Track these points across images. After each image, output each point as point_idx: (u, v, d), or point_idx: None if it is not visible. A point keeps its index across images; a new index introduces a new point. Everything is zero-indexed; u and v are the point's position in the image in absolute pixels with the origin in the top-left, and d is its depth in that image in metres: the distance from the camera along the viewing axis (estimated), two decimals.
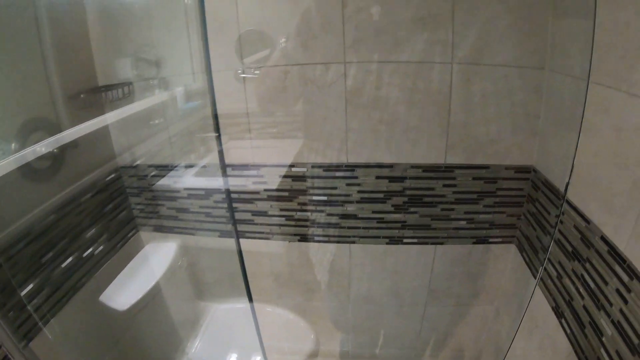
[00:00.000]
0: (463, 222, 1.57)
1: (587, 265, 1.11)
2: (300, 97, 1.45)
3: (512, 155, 1.47)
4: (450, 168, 1.48)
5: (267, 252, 1.69)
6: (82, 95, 1.55)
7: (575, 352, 1.14)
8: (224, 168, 1.52)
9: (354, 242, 1.62)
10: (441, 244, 1.61)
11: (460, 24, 1.33)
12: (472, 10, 1.33)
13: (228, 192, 1.59)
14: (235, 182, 1.58)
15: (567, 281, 1.21)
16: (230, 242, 1.70)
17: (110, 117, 1.61)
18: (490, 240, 1.61)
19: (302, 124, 1.47)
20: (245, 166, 1.55)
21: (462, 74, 1.38)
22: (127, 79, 1.64)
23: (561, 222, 1.27)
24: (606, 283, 1.02)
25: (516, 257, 1.59)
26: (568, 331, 1.19)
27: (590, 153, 1.12)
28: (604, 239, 1.04)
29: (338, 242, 1.62)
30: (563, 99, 1.29)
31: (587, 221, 1.11)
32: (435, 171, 1.49)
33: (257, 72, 1.46)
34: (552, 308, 1.29)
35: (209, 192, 1.64)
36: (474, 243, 1.61)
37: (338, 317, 1.87)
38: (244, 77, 1.45)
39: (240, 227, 1.66)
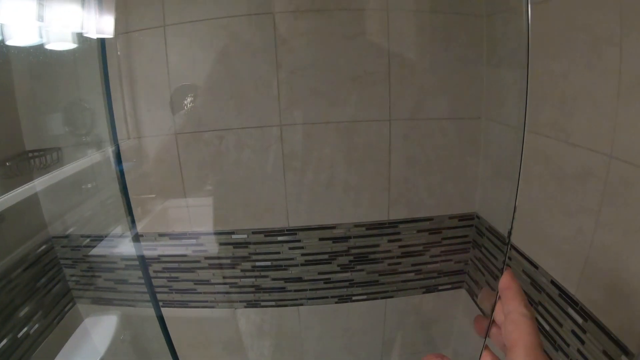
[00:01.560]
0: (411, 274, 1.52)
1: (540, 308, 1.10)
2: (236, 162, 1.36)
3: (454, 204, 1.45)
4: (394, 223, 1.44)
5: (213, 320, 1.58)
6: (7, 163, 1.39)
7: None
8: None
9: (302, 305, 1.54)
10: (391, 297, 1.55)
11: (396, 81, 1.30)
12: (407, 65, 1.30)
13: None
14: (174, 251, 1.47)
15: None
16: (173, 312, 1.58)
17: (39, 184, 1.46)
18: (440, 288, 1.57)
19: (240, 189, 1.38)
20: (183, 234, 1.44)
21: (400, 130, 1.34)
22: (56, 142, 1.50)
23: (509, 266, 1.24)
24: (561, 325, 1.02)
25: (467, 300, 1.56)
26: None
27: (534, 201, 1.11)
28: (554, 283, 1.04)
29: (285, 305, 1.53)
30: (501, 147, 1.28)
31: (535, 266, 1.11)
32: (379, 228, 1.43)
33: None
34: None
35: (147, 262, 1.51)
36: (423, 293, 1.56)
37: None
38: (177, 142, 1.36)
39: (183, 297, 1.54)
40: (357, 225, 1.43)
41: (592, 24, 0.86)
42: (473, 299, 1.51)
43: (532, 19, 1.08)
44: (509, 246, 1.22)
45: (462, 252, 1.52)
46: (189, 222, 1.43)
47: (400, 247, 1.47)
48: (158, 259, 1.49)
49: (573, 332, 0.96)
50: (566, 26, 0.94)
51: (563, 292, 1.00)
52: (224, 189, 1.38)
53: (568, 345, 0.99)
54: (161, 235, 1.45)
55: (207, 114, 1.33)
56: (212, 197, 1.39)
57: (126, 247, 1.55)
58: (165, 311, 1.58)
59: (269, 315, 1.55)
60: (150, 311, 1.61)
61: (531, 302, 1.13)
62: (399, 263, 1.50)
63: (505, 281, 0.44)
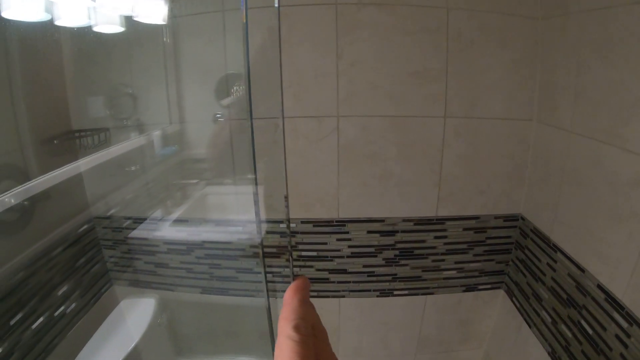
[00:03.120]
0: (453, 272, 1.50)
1: (584, 311, 1.08)
2: (291, 150, 1.33)
3: (500, 204, 1.42)
4: (441, 220, 1.41)
5: (251, 309, 1.55)
6: (55, 141, 1.36)
7: None
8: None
9: (343, 297, 1.51)
10: (431, 294, 1.53)
11: (453, 78, 1.28)
12: (465, 63, 1.28)
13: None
14: (218, 237, 1.44)
15: (563, 327, 1.18)
16: (211, 298, 1.55)
17: (84, 164, 1.43)
18: (480, 287, 1.54)
19: (292, 178, 1.35)
20: (229, 221, 1.41)
21: (453, 127, 1.32)
22: (102, 122, 1.48)
23: (553, 269, 1.22)
24: (605, 329, 0.99)
25: (505, 301, 1.53)
26: None
27: (584, 205, 1.09)
28: (600, 287, 1.01)
29: (327, 296, 1.51)
30: (551, 150, 1.26)
31: (582, 270, 1.09)
32: (426, 224, 1.41)
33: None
34: (549, 353, 1.25)
35: (190, 247, 1.48)
36: (463, 291, 1.54)
37: None
38: (230, 128, 1.33)
39: (223, 285, 1.51)
40: (405, 220, 1.40)
41: None
42: (512, 300, 1.49)
43: (592, 25, 1.08)
44: (558, 248, 1.20)
45: (504, 252, 1.49)
46: (236, 208, 1.40)
47: (445, 244, 1.44)
48: (202, 245, 1.47)
49: (617, 336, 0.94)
50: (626, 33, 0.92)
51: (609, 296, 0.97)
52: (277, 177, 1.35)
53: (611, 349, 0.97)
54: (207, 220, 1.43)
55: (264, 102, 1.30)
56: (263, 185, 1.36)
57: (168, 231, 1.52)
58: (203, 297, 1.56)
59: None
60: (188, 296, 1.58)
61: (574, 305, 1.12)
62: (443, 260, 1.47)
63: (287, 294, 0.38)
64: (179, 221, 1.48)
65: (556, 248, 1.21)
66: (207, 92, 1.34)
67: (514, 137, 1.36)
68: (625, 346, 0.91)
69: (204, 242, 1.45)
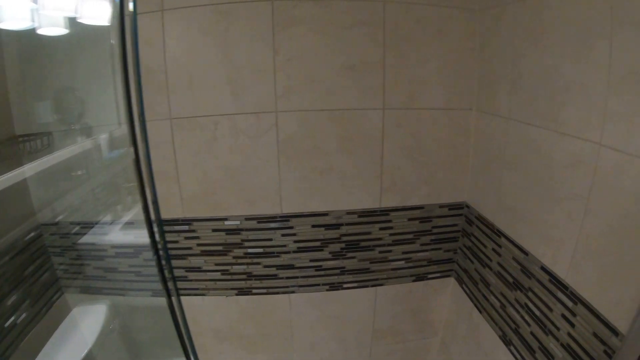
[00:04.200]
0: (401, 262, 1.49)
1: (530, 294, 1.09)
2: (232, 147, 1.31)
3: (445, 193, 1.43)
4: (385, 211, 1.41)
5: (203, 308, 1.52)
6: None
7: None
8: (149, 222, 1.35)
9: (293, 292, 1.49)
10: (381, 285, 1.52)
11: (391, 71, 1.28)
12: (402, 55, 1.28)
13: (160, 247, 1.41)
14: (166, 238, 1.41)
15: (511, 310, 1.19)
16: (163, 300, 1.51)
17: (29, 170, 1.39)
18: (429, 276, 1.54)
19: (234, 175, 1.33)
20: (175, 221, 1.39)
21: (393, 119, 1.32)
22: (46, 127, 1.44)
23: (499, 254, 1.23)
24: (551, 310, 1.00)
25: (455, 289, 1.54)
26: (518, 357, 1.16)
27: (524, 189, 1.10)
28: (544, 268, 1.02)
29: (277, 293, 1.49)
30: (491, 138, 1.27)
31: (525, 253, 1.10)
32: (371, 215, 1.40)
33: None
34: (500, 337, 1.25)
35: (138, 250, 1.45)
36: (413, 281, 1.53)
37: None
38: (171, 127, 1.30)
39: (173, 285, 1.48)
40: (349, 213, 1.39)
41: (583, 18, 0.86)
42: (462, 287, 1.49)
43: (525, 14, 1.09)
44: (501, 233, 1.21)
45: (451, 240, 1.50)
46: (181, 208, 1.37)
47: (391, 234, 1.44)
48: (149, 247, 1.43)
49: (563, 315, 0.95)
50: (558, 20, 0.94)
51: (553, 277, 0.98)
52: (218, 175, 1.34)
53: (558, 329, 0.98)
54: (153, 221, 1.39)
55: (203, 99, 1.28)
56: (206, 183, 1.34)
57: (116, 235, 1.49)
58: (156, 300, 1.52)
59: (260, 302, 1.50)
60: (140, 300, 1.54)
61: (521, 288, 1.12)
62: (390, 251, 1.47)
63: None
64: (127, 224, 1.45)
65: (500, 233, 1.22)
66: (158, 97, 1.32)
67: (455, 126, 1.37)
68: (572, 325, 0.92)
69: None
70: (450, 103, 1.35)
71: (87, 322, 1.55)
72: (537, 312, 1.06)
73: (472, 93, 1.35)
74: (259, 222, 1.38)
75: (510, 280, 1.18)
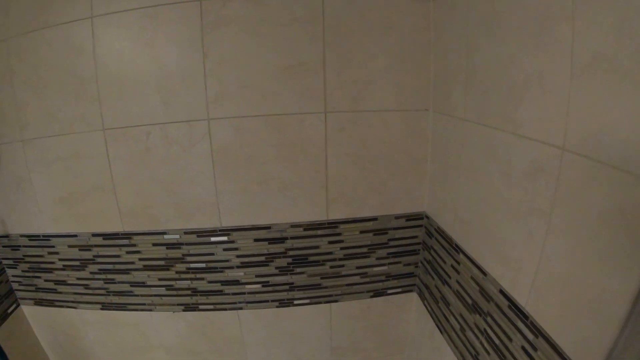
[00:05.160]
0: (356, 277, 1.37)
1: (489, 319, 0.94)
2: (165, 158, 1.22)
3: (400, 203, 1.29)
4: (333, 224, 1.29)
5: (152, 324, 1.45)
6: None
7: None
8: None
9: (241, 309, 1.39)
10: (336, 301, 1.40)
11: (333, 70, 1.15)
12: (345, 54, 1.15)
13: None
14: (107, 252, 1.34)
15: (470, 335, 1.04)
16: (113, 315, 1.45)
17: None
18: (389, 291, 1.42)
19: (169, 187, 1.24)
20: (115, 235, 1.31)
21: (337, 123, 1.19)
22: None
23: (457, 272, 1.09)
24: (510, 340, 0.86)
25: (419, 304, 1.41)
26: None
27: (481, 201, 0.95)
28: (503, 292, 0.87)
29: (224, 309, 1.40)
30: (448, 141, 1.12)
31: (484, 273, 0.95)
32: (318, 228, 1.28)
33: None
34: None
35: (83, 263, 1.38)
36: (371, 297, 1.41)
37: None
38: (105, 138, 1.23)
39: (121, 300, 1.42)
40: (294, 226, 1.28)
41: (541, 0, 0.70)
42: (424, 304, 1.36)
43: (479, 1, 0.94)
44: (458, 248, 1.07)
45: (411, 253, 1.36)
46: (120, 222, 1.30)
47: (342, 248, 1.32)
48: (93, 260, 1.37)
49: (523, 348, 0.81)
50: (513, 6, 0.78)
51: (512, 304, 0.84)
52: (154, 187, 1.25)
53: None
54: (95, 235, 1.33)
55: (135, 108, 1.19)
56: (143, 195, 1.26)
57: (62, 247, 1.43)
58: (106, 314, 1.46)
59: (209, 318, 1.41)
60: (90, 313, 1.49)
61: (480, 312, 0.98)
62: (342, 265, 1.34)
63: None
64: (70, 236, 1.39)
65: (459, 249, 1.08)
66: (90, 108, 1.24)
67: (410, 129, 1.23)
68: None
69: (95, 256, 1.36)
70: (403, 104, 1.21)
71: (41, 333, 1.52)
72: (497, 341, 0.91)
73: (428, 92, 1.20)
74: (198, 236, 1.28)
75: (469, 301, 1.04)
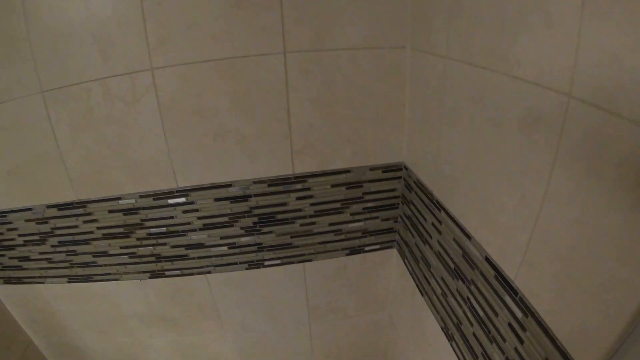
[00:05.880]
0: (330, 235, 1.28)
1: (473, 288, 0.83)
2: (109, 117, 1.11)
3: (376, 153, 1.18)
4: (301, 178, 1.18)
5: (121, 293, 1.38)
6: None
7: None
8: None
9: (209, 272, 1.31)
10: (309, 260, 1.31)
11: (291, 3, 1.00)
12: None
13: None
14: (65, 223, 1.25)
15: (452, 301, 0.95)
16: (81, 286, 1.38)
17: None
18: (367, 249, 1.33)
19: (118, 148, 1.13)
20: (69, 204, 1.22)
21: (299, 65, 1.06)
22: None
23: (439, 232, 0.98)
24: (496, 314, 0.75)
25: (399, 262, 1.32)
26: (461, 358, 0.93)
27: (466, 153, 0.81)
28: (489, 260, 0.76)
29: (192, 274, 1.31)
30: (428, 83, 0.97)
31: (468, 236, 0.83)
32: (283, 184, 1.18)
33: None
34: (442, 328, 1.03)
35: (43, 237, 1.30)
36: (347, 254, 1.32)
37: (219, 348, 1.57)
38: (45, 101, 1.11)
39: (85, 271, 1.34)
40: (257, 182, 1.17)
41: None
42: (404, 262, 1.27)
43: None
44: (440, 206, 0.97)
45: (390, 207, 1.26)
46: (72, 190, 1.20)
47: (312, 205, 1.22)
48: (52, 233, 1.28)
49: (510, 325, 0.72)
50: None
51: (500, 275, 0.73)
52: (102, 150, 1.14)
53: (504, 340, 0.74)
54: (49, 206, 1.23)
55: (72, 64, 1.07)
56: (92, 160, 1.15)
57: (20, 222, 1.34)
58: (74, 287, 1.39)
59: (177, 284, 1.33)
60: (59, 287, 1.42)
61: (462, 279, 0.88)
62: (314, 223, 1.25)
63: None
64: (25, 210, 1.29)
65: (440, 206, 0.96)
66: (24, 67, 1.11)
67: (385, 69, 1.08)
68: (520, 341, 0.68)
69: (53, 229, 1.27)
70: (376, 40, 1.06)
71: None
72: (481, 313, 0.82)
73: (405, 26, 1.05)
74: (155, 199, 1.18)
75: (452, 265, 0.93)
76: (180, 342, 1.55)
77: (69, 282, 1.37)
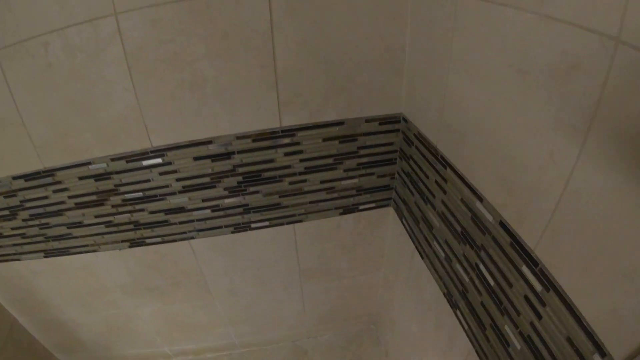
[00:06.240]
0: (322, 193, 1.20)
1: (483, 254, 0.75)
2: (71, 73, 0.98)
3: (372, 103, 1.07)
4: (289, 132, 1.07)
5: (100, 265, 1.29)
6: None
7: (477, 352, 0.82)
8: None
9: (192, 238, 1.23)
10: (300, 221, 1.24)
11: None
12: None
13: None
14: (34, 194, 1.14)
15: (458, 267, 0.87)
16: (58, 261, 1.29)
17: None
18: (361, 207, 1.25)
19: (83, 108, 1.01)
20: (36, 174, 1.10)
21: (285, 2, 0.93)
22: None
23: (444, 191, 0.89)
24: (510, 285, 0.67)
25: (396, 221, 1.25)
26: (466, 327, 0.86)
27: (479, 103, 0.71)
28: (503, 225, 0.67)
29: (174, 240, 1.23)
30: (435, 23, 0.85)
31: (480, 197, 0.74)
32: (270, 139, 1.08)
33: None
34: (444, 294, 0.96)
35: (13, 211, 1.19)
36: (341, 214, 1.25)
37: (208, 315, 1.52)
38: None
39: (62, 244, 1.24)
40: (240, 137, 1.07)
41: None
42: (402, 222, 1.20)
43: None
44: (446, 162, 0.88)
45: (386, 163, 1.17)
46: (38, 158, 1.08)
47: (302, 160, 1.12)
48: (22, 206, 1.17)
49: (527, 298, 0.64)
50: None
51: (516, 242, 0.65)
52: (66, 111, 1.02)
53: (518, 313, 0.67)
54: (15, 178, 1.12)
55: (25, 16, 0.93)
56: (56, 123, 1.03)
57: None
58: (51, 261, 1.30)
59: (159, 252, 1.25)
60: (37, 263, 1.32)
61: (471, 244, 0.80)
62: (304, 181, 1.16)
63: None
64: None
65: (445, 163, 0.87)
66: None
67: (382, 8, 0.95)
68: (538, 316, 0.62)
69: (22, 202, 1.16)
70: None
71: None
72: (492, 282, 0.74)
73: None
74: (128, 162, 1.08)
75: (458, 228, 0.85)
76: (167, 310, 1.48)
77: (45, 256, 1.28)
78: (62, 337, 1.60)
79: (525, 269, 0.64)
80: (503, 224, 0.69)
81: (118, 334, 1.58)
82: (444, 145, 0.88)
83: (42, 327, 1.56)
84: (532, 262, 0.62)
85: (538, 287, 0.61)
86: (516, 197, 0.65)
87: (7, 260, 1.31)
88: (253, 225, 1.22)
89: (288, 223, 1.23)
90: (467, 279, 0.85)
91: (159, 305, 1.44)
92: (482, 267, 0.78)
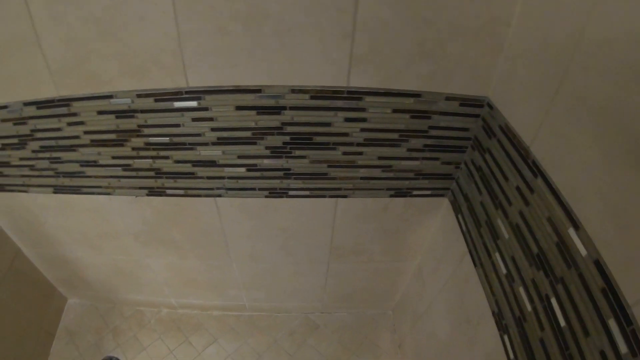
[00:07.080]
0: (377, 170, 1.01)
1: (560, 288, 0.61)
2: None
3: (458, 79, 0.85)
4: (356, 94, 0.87)
5: (113, 208, 1.15)
6: None
7: None
8: None
9: (220, 196, 1.07)
10: (345, 196, 1.07)
11: None
12: None
13: None
14: (46, 125, 0.97)
15: (521, 291, 0.71)
16: (70, 198, 1.14)
17: None
18: (415, 192, 1.07)
19: (108, 29, 0.80)
20: (50, 101, 0.92)
21: None
22: None
23: (526, 202, 0.70)
24: (587, 334, 0.55)
25: (449, 215, 1.07)
26: (512, 356, 0.73)
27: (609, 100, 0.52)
28: (600, 266, 0.53)
29: (198, 195, 1.07)
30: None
31: (575, 224, 0.57)
32: (332, 98, 0.87)
33: None
34: (493, 313, 0.81)
35: (22, 140, 1.02)
36: (391, 196, 1.07)
37: (223, 275, 1.41)
38: None
39: (73, 182, 1.09)
40: (295, 91, 0.86)
41: None
42: (457, 218, 1.02)
43: None
44: (538, 170, 0.69)
45: (455, 150, 0.97)
46: (53, 84, 0.89)
47: (363, 130, 0.92)
48: (32, 136, 1.00)
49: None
50: None
51: (612, 291, 0.51)
52: (88, 31, 0.80)
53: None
54: (27, 104, 0.94)
55: None
56: (75, 45, 0.83)
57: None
58: (61, 198, 1.15)
59: (180, 205, 1.10)
60: (45, 197, 1.18)
61: (549, 273, 0.64)
62: (360, 153, 0.97)
63: None
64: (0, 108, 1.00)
65: (537, 169, 0.68)
66: None
67: None
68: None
69: (33, 131, 0.99)
70: None
71: None
72: (562, 322, 0.61)
73: None
74: (157, 101, 0.88)
75: (534, 250, 0.68)
76: (179, 264, 1.37)
77: (55, 192, 1.13)
78: (67, 274, 1.50)
79: (612, 324, 0.50)
80: (599, 265, 0.53)
81: (125, 279, 1.48)
82: (541, 149, 0.68)
83: (46, 262, 1.46)
84: (625, 319, 0.48)
85: (624, 349, 0.48)
86: (628, 240, 0.49)
87: (13, 191, 1.17)
88: (291, 193, 1.05)
89: (331, 196, 1.06)
90: (529, 308, 0.70)
91: (171, 259, 1.32)
92: (554, 301, 0.63)
